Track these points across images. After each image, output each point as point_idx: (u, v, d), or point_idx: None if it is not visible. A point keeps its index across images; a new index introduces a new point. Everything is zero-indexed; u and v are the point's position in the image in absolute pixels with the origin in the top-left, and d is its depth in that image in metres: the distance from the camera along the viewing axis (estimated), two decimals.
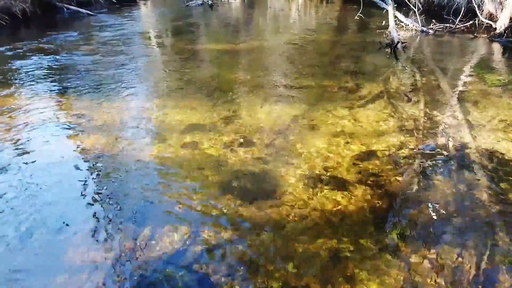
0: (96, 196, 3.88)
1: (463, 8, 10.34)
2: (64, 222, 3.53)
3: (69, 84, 7.01)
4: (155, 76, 7.58)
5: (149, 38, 11.08)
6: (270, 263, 3.08)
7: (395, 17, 10.00)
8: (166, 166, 4.39)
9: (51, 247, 3.26)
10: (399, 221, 3.56)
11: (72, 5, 14.47)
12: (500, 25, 9.34)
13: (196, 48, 9.86)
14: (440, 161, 4.41)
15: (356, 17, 11.75)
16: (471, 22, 10.08)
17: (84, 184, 4.07)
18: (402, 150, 4.63)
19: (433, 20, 10.34)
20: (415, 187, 4.01)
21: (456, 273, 2.97)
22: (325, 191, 3.91)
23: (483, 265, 3.04)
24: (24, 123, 5.39)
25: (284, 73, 7.58)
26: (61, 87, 6.87)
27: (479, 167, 4.26)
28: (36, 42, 10.00)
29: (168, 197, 3.85)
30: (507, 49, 8.84)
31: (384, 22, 10.21)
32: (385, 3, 10.54)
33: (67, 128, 5.29)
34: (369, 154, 4.55)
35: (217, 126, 5.26)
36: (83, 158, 4.56)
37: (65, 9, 14.28)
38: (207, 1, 17.07)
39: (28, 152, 4.67)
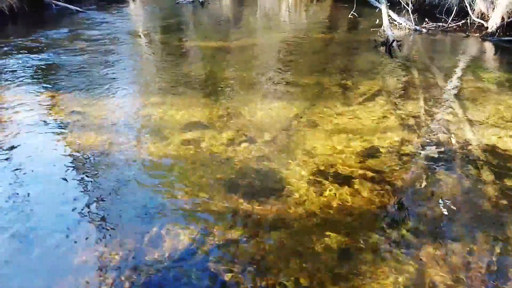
0: (102, 196, 3.77)
1: (455, 7, 10.43)
2: (68, 223, 3.42)
3: (59, 83, 6.77)
4: (148, 75, 7.45)
5: (140, 36, 10.90)
6: (281, 260, 3.02)
7: (389, 15, 10.02)
8: (168, 164, 4.29)
9: (58, 249, 3.15)
10: (407, 216, 3.53)
11: (61, 2, 14.17)
12: (492, 24, 9.44)
13: (188, 46, 9.75)
14: (444, 157, 4.40)
15: (349, 16, 11.76)
16: (463, 21, 10.16)
17: (85, 185, 3.95)
18: (405, 147, 4.61)
19: (426, 19, 10.39)
20: (420, 183, 3.99)
21: (468, 266, 2.95)
22: (331, 187, 3.86)
23: (495, 259, 3.03)
24: (10, 120, 5.21)
25: (280, 70, 7.51)
26: (51, 86, 6.60)
27: (483, 163, 4.26)
28: (23, 39, 9.73)
29: (174, 195, 3.76)
30: (499, 47, 8.94)
31: (377, 20, 10.24)
32: (378, 1, 10.56)
33: (62, 127, 5.14)
34: (372, 151, 4.52)
35: (217, 124, 5.18)
36: (83, 158, 4.43)
37: (53, 5, 13.97)
38: None
39: (30, 148, 4.53)
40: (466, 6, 10.20)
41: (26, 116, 5.41)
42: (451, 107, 5.66)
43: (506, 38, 9.11)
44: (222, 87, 6.65)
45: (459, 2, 10.60)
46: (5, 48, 8.87)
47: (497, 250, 3.12)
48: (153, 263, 2.98)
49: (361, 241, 3.19)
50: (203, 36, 11.14)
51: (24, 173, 4.09)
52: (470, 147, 4.57)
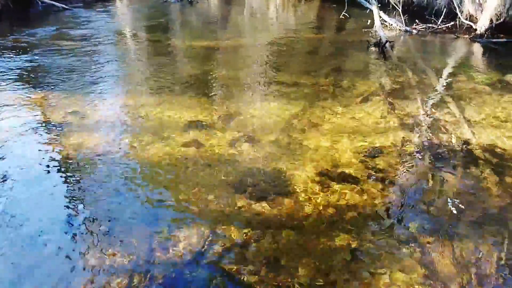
0: (106, 197, 3.69)
1: (444, 9, 10.57)
2: (68, 225, 3.34)
3: (46, 83, 6.59)
4: (139, 75, 7.29)
5: (128, 35, 10.71)
6: (292, 260, 3.00)
7: (380, 16, 10.11)
8: (171, 164, 4.23)
9: (65, 249, 3.07)
10: (414, 215, 3.55)
11: None
12: (480, 26, 9.59)
13: (177, 45, 9.64)
14: (444, 156, 4.44)
15: (341, 16, 11.82)
16: (452, 22, 10.30)
17: (87, 185, 3.86)
18: (406, 146, 4.64)
19: (416, 20, 10.51)
20: (423, 181, 4.03)
21: (476, 264, 2.98)
22: (337, 187, 3.86)
23: (504, 256, 3.06)
24: None
25: (274, 71, 7.49)
26: (39, 87, 6.40)
27: (483, 162, 4.32)
28: (8, 38, 9.49)
29: (179, 196, 3.71)
30: (488, 49, 9.10)
31: (368, 21, 10.31)
32: (369, 2, 10.64)
33: (60, 128, 5.03)
34: (375, 151, 4.53)
35: (217, 124, 5.14)
36: (84, 158, 4.34)
37: (39, 2, 13.65)
38: None
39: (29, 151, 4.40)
40: (455, 8, 10.35)
41: (13, 117, 5.29)
42: (447, 107, 5.72)
43: (494, 40, 9.28)
44: (218, 87, 6.60)
45: (447, 3, 10.75)
46: None
47: (503, 247, 3.17)
48: (161, 265, 2.93)
49: (370, 240, 3.20)
50: (192, 36, 11.02)
51: (17, 177, 3.99)
52: (469, 146, 4.63)
